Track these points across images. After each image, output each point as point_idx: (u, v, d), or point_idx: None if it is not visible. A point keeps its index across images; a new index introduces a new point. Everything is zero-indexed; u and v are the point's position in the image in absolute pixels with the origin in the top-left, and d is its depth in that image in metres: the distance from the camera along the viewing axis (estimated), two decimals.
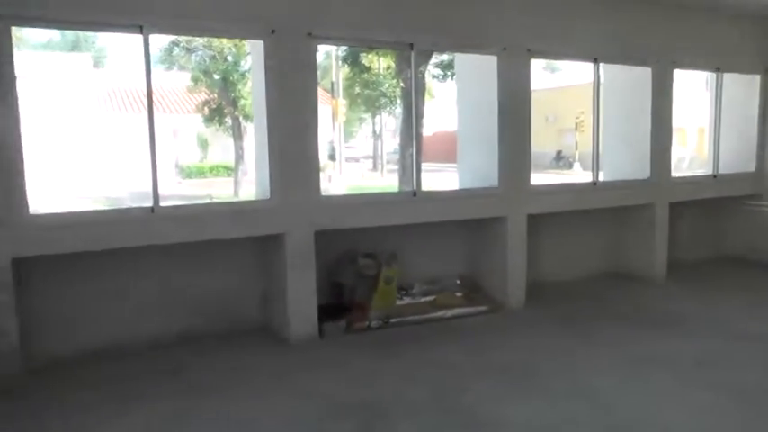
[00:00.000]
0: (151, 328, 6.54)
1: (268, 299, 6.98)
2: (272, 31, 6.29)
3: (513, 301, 7.66)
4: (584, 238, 9.16)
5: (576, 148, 37.26)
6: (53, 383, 5.60)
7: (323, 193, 6.79)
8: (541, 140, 33.99)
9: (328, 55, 30.62)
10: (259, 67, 6.52)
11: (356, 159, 46.35)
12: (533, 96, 7.74)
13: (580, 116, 33.83)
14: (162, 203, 6.02)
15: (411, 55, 7.17)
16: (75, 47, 40.11)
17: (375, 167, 39.45)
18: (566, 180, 16.77)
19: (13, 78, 5.55)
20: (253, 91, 6.80)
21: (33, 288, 6.03)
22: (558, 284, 8.63)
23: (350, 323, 6.83)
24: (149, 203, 5.98)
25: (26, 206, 5.65)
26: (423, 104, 17.65)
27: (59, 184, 23.14)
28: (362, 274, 7.07)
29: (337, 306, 6.99)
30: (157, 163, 6.07)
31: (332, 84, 30.61)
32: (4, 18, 5.39)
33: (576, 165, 36.67)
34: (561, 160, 39.66)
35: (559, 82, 41.87)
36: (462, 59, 8.46)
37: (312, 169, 6.67)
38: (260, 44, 6.44)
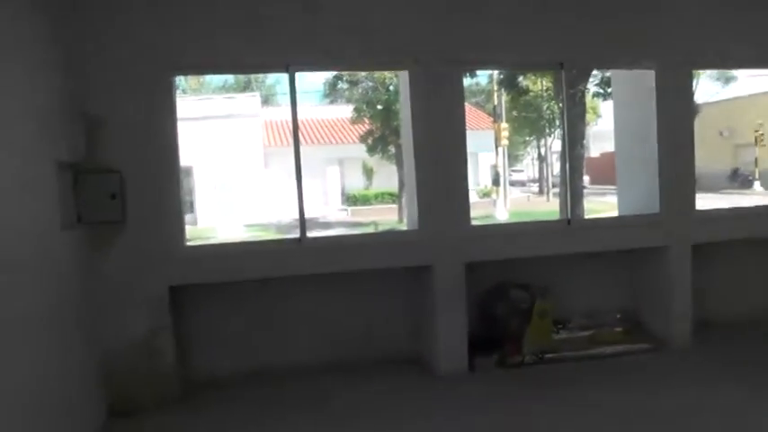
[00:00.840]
0: (300, 355, 6.63)
1: (418, 330, 6.84)
2: (416, 60, 6.22)
3: (678, 340, 6.86)
4: (762, 271, 7.89)
5: (757, 165, 34.26)
6: (206, 402, 5.92)
7: (474, 222, 6.63)
8: (715, 158, 31.56)
9: (491, 78, 30.43)
10: (406, 96, 6.48)
11: (522, 183, 45.73)
12: (704, 110, 7.11)
13: (759, 128, 31.20)
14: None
15: (562, 74, 6.88)
16: (246, 87, 42.75)
17: (541, 191, 38.58)
18: (739, 203, 15.17)
19: (175, 121, 5.95)
20: (402, 120, 6.76)
21: (189, 313, 6.34)
22: (730, 324, 7.44)
23: (502, 358, 6.53)
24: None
25: (183, 238, 6.05)
26: (583, 125, 16.86)
27: (232, 213, 24.55)
28: (515, 306, 6.73)
29: (489, 339, 6.69)
30: (303, 195, 6.24)
31: (494, 107, 30.36)
32: (165, 68, 5.81)
33: (757, 184, 33.72)
34: (739, 179, 35.81)
35: (735, 92, 38.70)
36: (618, 76, 7.97)
37: (461, 198, 6.49)
38: (405, 74, 6.40)
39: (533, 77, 25.05)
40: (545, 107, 30.82)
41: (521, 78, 22.68)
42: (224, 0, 5.95)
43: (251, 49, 5.95)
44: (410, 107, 6.35)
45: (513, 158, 43.11)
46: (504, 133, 29.49)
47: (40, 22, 4.95)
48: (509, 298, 6.76)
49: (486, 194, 31.81)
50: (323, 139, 32.79)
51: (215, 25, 5.87)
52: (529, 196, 37.85)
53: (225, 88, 44.43)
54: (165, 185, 5.87)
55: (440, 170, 6.34)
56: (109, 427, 5.48)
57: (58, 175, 4.98)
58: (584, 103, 17.65)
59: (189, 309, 6.33)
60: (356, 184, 34.27)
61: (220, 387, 6.21)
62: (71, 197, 5.33)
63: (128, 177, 5.71)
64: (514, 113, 33.06)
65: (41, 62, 4.91)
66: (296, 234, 6.32)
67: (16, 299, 3.98)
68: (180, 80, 32.50)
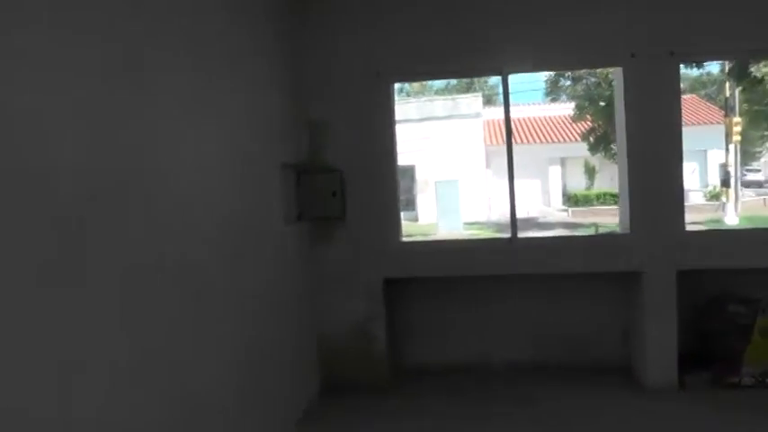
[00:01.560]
0: (506, 353, 6.77)
1: (628, 339, 6.65)
2: (632, 55, 6.04)
3: None
4: None
5: None
6: (414, 389, 6.30)
7: (698, 227, 6.30)
8: None
9: (723, 67, 28.23)
10: (620, 93, 6.31)
11: (759, 184, 41.83)
12: None
13: None
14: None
15: None
16: (469, 88, 43.10)
17: None
18: None
19: (393, 123, 6.37)
20: (616, 119, 6.60)
21: (403, 304, 6.78)
22: None
23: (716, 377, 6.14)
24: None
25: (399, 234, 6.50)
26: None
27: (453, 211, 24.97)
28: (734, 322, 6.27)
29: (702, 356, 6.31)
30: (515, 195, 6.42)
31: (725, 100, 28.13)
32: (384, 76, 6.23)
33: None
34: None
35: None
36: None
37: (676, 202, 6.16)
38: (619, 70, 6.26)
39: None
40: None
41: (755, 67, 20.51)
42: (438, 9, 6.18)
43: (465, 54, 6.15)
44: (624, 104, 6.16)
45: (747, 156, 39.47)
46: (737, 128, 27.06)
47: (271, 36, 5.51)
48: (727, 312, 6.28)
49: (714, 196, 29.58)
50: (545, 137, 32.35)
51: (430, 33, 6.15)
52: (765, 199, 34.66)
53: (447, 90, 45.16)
54: (382, 184, 6.30)
55: (653, 170, 6.06)
56: (321, 401, 6.07)
57: (281, 174, 5.51)
58: None
59: (403, 300, 6.76)
60: (578, 183, 33.45)
61: (428, 376, 6.56)
62: (294, 195, 5.88)
63: (348, 176, 6.22)
64: (745, 106, 30.30)
65: (270, 73, 5.46)
66: (509, 234, 6.43)
67: (246, 280, 4.56)
68: (404, 84, 33.60)
